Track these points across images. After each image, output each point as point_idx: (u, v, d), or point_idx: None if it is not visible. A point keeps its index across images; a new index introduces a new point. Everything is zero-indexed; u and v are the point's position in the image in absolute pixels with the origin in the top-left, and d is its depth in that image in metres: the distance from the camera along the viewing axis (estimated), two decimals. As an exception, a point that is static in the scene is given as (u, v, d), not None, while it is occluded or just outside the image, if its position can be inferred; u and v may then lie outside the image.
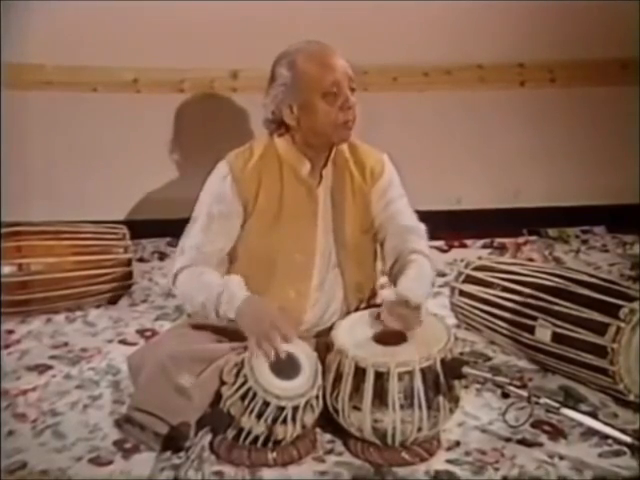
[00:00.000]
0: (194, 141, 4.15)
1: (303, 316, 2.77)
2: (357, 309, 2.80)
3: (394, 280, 2.75)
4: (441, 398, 2.50)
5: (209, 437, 2.56)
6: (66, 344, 3.31)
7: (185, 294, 2.74)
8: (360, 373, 2.48)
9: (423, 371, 2.47)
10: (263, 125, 2.76)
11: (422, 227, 2.86)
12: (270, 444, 2.50)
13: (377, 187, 2.81)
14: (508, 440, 2.63)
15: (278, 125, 2.72)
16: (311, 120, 2.65)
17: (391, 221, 2.81)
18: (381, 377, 2.47)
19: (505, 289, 3.18)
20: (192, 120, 4.19)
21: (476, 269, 3.35)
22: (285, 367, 2.51)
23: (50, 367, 3.12)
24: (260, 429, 2.47)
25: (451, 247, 4.28)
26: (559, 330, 2.95)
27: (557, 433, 2.66)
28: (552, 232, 4.45)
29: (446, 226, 4.15)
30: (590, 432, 2.60)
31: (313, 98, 2.63)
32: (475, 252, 4.14)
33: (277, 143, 2.75)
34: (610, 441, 2.56)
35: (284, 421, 2.47)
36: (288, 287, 2.75)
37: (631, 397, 2.81)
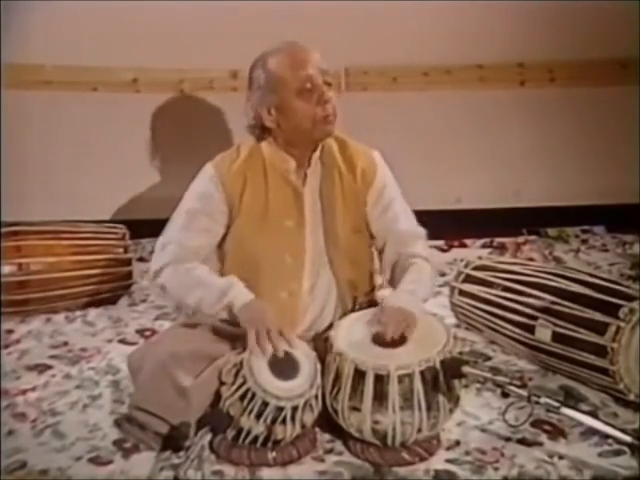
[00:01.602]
0: (194, 140, 4.15)
1: (296, 317, 2.76)
2: (353, 307, 2.80)
3: (395, 285, 2.75)
4: (441, 398, 2.50)
5: (209, 437, 2.56)
6: (66, 344, 3.31)
7: (176, 290, 2.71)
8: (360, 375, 2.48)
9: (423, 373, 2.46)
10: (247, 131, 2.75)
11: (421, 230, 2.84)
12: (270, 444, 2.50)
13: (372, 191, 2.78)
14: (508, 440, 2.63)
15: (261, 130, 2.72)
16: (290, 120, 2.65)
17: (389, 227, 2.80)
18: (381, 380, 2.46)
19: (505, 289, 3.18)
20: (192, 119, 4.19)
21: (476, 269, 3.35)
22: (284, 367, 2.51)
23: (50, 367, 3.12)
24: (259, 429, 2.47)
25: (451, 247, 4.28)
26: (559, 330, 2.95)
27: (557, 433, 2.66)
28: (552, 232, 4.45)
29: (446, 226, 4.15)
30: (590, 432, 2.60)
31: (288, 97, 2.62)
32: (475, 252, 4.14)
33: (262, 144, 2.74)
34: (610, 441, 2.56)
35: (283, 421, 2.47)
36: (279, 288, 2.74)
37: (631, 397, 2.80)
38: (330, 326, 2.69)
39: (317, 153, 2.74)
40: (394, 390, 2.45)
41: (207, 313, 2.65)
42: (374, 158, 2.82)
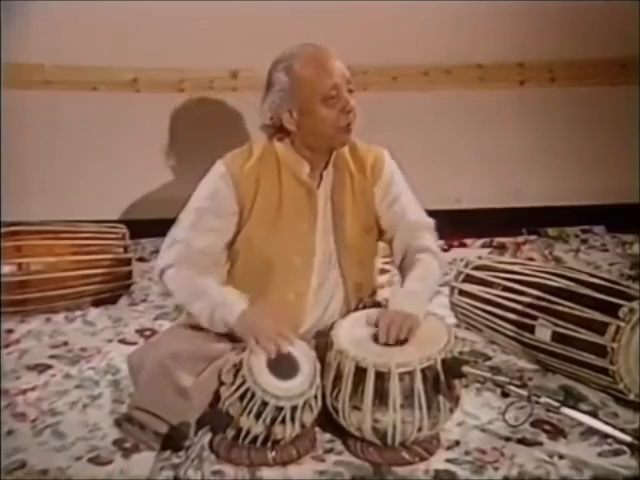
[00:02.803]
0: (194, 140, 4.15)
1: (302, 318, 2.76)
2: (357, 308, 2.80)
3: (402, 277, 2.76)
4: (441, 398, 2.50)
5: (209, 436, 2.56)
6: (66, 343, 3.31)
7: (178, 294, 2.72)
8: (360, 373, 2.48)
9: (424, 371, 2.47)
10: (261, 130, 2.75)
11: (430, 221, 2.85)
12: (269, 443, 2.50)
13: (379, 185, 2.80)
14: (508, 439, 2.63)
15: (276, 130, 2.71)
16: (312, 124, 2.65)
17: (398, 219, 2.80)
18: (382, 377, 2.46)
19: (505, 288, 3.18)
20: (192, 119, 4.19)
21: (476, 268, 3.35)
22: (283, 367, 2.51)
23: (50, 366, 3.12)
24: (259, 429, 2.47)
25: (451, 246, 4.28)
26: (559, 329, 2.95)
27: (557, 432, 2.66)
28: (552, 231, 4.45)
29: (446, 225, 4.12)
30: (590, 431, 2.60)
31: (313, 103, 2.62)
32: (475, 251, 4.14)
33: (276, 145, 2.74)
34: (610, 440, 2.56)
35: (283, 421, 2.47)
36: (287, 289, 2.74)
37: (631, 396, 2.81)
38: (332, 327, 2.69)
39: (333, 157, 2.75)
40: (395, 388, 2.45)
41: (203, 324, 2.65)
42: (382, 154, 2.84)
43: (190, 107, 4.20)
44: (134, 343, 3.27)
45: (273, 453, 2.51)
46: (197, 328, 2.74)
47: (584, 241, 4.38)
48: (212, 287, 2.67)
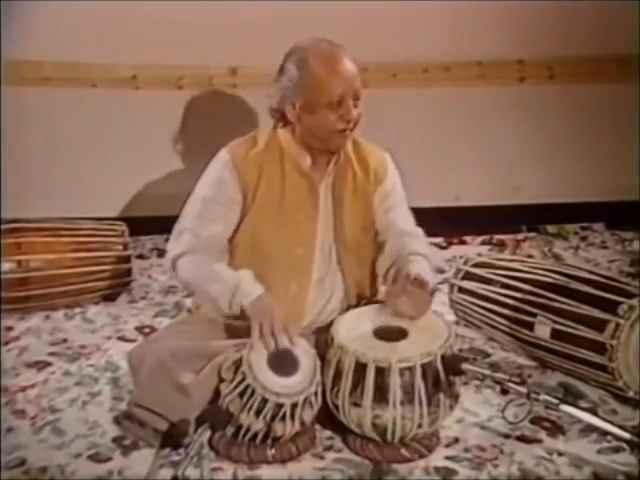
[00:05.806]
0: (193, 137, 4.15)
1: (304, 309, 2.76)
2: (357, 306, 2.79)
3: (387, 281, 2.76)
4: (441, 394, 2.50)
5: (208, 434, 2.55)
6: (65, 341, 3.31)
7: (191, 282, 2.72)
8: (361, 368, 2.48)
9: (424, 367, 2.47)
10: (268, 113, 2.75)
11: (420, 231, 2.86)
12: (269, 441, 2.51)
13: (380, 190, 2.81)
14: (507, 436, 2.64)
15: (282, 115, 2.72)
16: (310, 122, 2.65)
17: (391, 225, 2.82)
18: (382, 372, 2.47)
19: (504, 286, 3.18)
20: (191, 117, 4.19)
21: (475, 266, 3.35)
22: (283, 364, 2.51)
23: (49, 364, 3.12)
24: (259, 426, 2.47)
25: (450, 244, 4.28)
26: (558, 327, 2.95)
27: (556, 429, 2.67)
28: (551, 229, 4.45)
29: (445, 223, 4.16)
30: (589, 428, 2.60)
31: (317, 103, 2.62)
32: (474, 249, 4.14)
33: (280, 135, 2.74)
34: (609, 437, 2.56)
35: (283, 418, 2.47)
36: (289, 280, 2.75)
37: (630, 393, 2.81)
38: (332, 323, 2.68)
39: (340, 154, 2.74)
40: (395, 383, 2.45)
41: (220, 308, 2.64)
42: (385, 159, 2.85)
43: (190, 103, 4.20)
44: (133, 340, 3.27)
45: (273, 450, 2.52)
46: (198, 325, 2.74)
47: (583, 238, 4.38)
48: (227, 270, 2.68)
